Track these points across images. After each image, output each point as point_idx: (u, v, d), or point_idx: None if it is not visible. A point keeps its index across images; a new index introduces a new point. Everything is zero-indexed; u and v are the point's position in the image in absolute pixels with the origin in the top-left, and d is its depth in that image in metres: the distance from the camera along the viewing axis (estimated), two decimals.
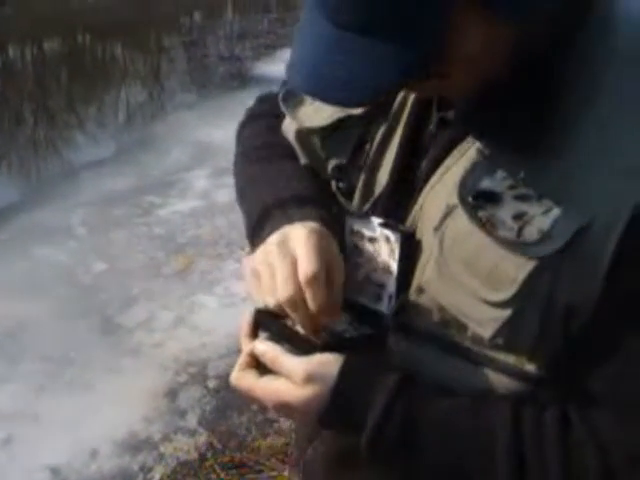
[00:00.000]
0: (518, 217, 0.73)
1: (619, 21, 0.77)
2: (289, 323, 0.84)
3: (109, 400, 3.21)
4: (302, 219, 0.87)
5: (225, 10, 11.00)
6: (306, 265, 0.80)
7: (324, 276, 0.80)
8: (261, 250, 0.86)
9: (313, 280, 0.79)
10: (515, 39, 0.72)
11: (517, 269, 0.73)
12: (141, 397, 3.24)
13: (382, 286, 0.87)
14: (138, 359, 3.55)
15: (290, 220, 0.87)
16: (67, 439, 2.96)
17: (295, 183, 0.96)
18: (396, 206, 0.87)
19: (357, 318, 0.88)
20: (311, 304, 0.80)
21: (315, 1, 0.71)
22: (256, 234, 0.92)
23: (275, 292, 0.81)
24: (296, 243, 0.82)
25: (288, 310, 0.81)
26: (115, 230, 5.00)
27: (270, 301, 0.82)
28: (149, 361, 3.53)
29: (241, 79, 8.95)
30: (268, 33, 11.00)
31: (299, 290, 0.80)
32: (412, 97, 0.89)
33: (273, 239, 0.85)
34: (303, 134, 0.97)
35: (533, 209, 0.73)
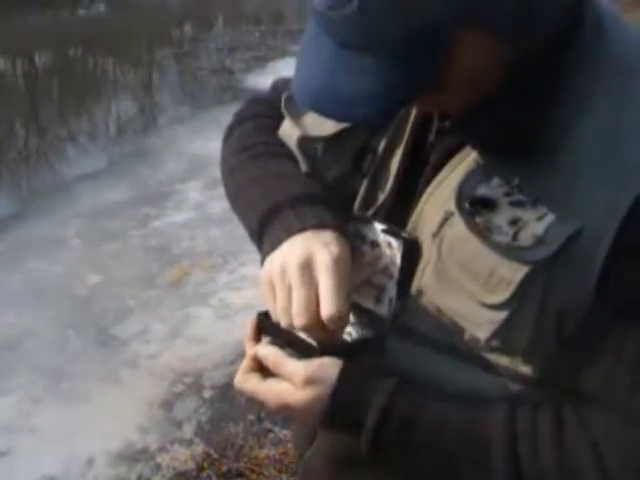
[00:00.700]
0: (513, 223, 0.76)
1: (608, 27, 0.79)
2: (290, 328, 0.86)
3: (105, 411, 3.20)
4: (315, 221, 0.86)
5: (216, 23, 11.04)
6: (330, 305, 0.79)
7: (347, 311, 0.81)
8: (280, 261, 0.84)
9: (338, 320, 0.80)
10: (514, 53, 0.74)
11: (512, 273, 0.75)
12: (137, 408, 3.24)
13: (382, 289, 0.89)
14: (134, 370, 3.55)
15: (302, 220, 0.86)
16: (64, 450, 2.95)
17: (303, 182, 0.94)
18: (398, 213, 0.89)
19: (357, 320, 0.90)
20: (333, 334, 0.82)
21: (319, 20, 0.73)
22: (265, 231, 0.90)
23: (289, 314, 0.81)
24: (320, 272, 0.81)
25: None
26: (110, 242, 5.00)
27: (283, 320, 0.82)
28: (145, 372, 3.53)
29: (233, 91, 8.97)
30: (259, 45, 11.04)
31: (315, 320, 0.80)
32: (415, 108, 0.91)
33: (294, 257, 0.83)
34: (306, 141, 0.97)
35: (528, 215, 0.75)
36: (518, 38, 0.72)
